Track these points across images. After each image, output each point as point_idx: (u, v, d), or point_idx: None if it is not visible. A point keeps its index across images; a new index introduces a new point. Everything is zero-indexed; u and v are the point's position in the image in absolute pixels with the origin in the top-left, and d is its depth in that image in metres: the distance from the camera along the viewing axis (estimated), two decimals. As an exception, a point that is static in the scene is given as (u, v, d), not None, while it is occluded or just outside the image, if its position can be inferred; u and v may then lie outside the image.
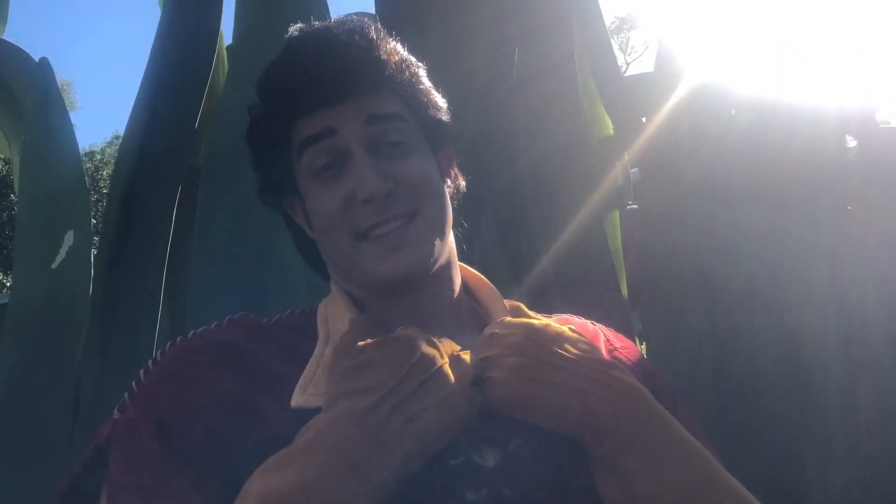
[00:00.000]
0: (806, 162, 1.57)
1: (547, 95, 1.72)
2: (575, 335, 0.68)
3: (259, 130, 0.74)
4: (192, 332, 0.73)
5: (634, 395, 0.64)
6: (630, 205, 3.20)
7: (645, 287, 1.83)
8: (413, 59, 0.77)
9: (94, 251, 1.98)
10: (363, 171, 0.68)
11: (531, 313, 0.73)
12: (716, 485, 0.63)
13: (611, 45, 1.97)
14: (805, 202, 1.56)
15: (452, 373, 0.64)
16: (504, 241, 1.73)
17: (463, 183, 0.80)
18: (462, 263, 0.80)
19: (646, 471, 0.61)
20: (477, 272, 0.81)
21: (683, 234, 1.73)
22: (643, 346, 1.88)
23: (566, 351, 0.65)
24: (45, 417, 1.68)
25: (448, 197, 0.75)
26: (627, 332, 1.68)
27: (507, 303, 0.75)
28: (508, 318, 0.70)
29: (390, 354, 0.64)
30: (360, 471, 0.58)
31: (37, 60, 2.84)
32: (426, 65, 0.79)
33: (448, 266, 0.75)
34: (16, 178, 3.32)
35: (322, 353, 0.70)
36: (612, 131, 2.32)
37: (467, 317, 0.76)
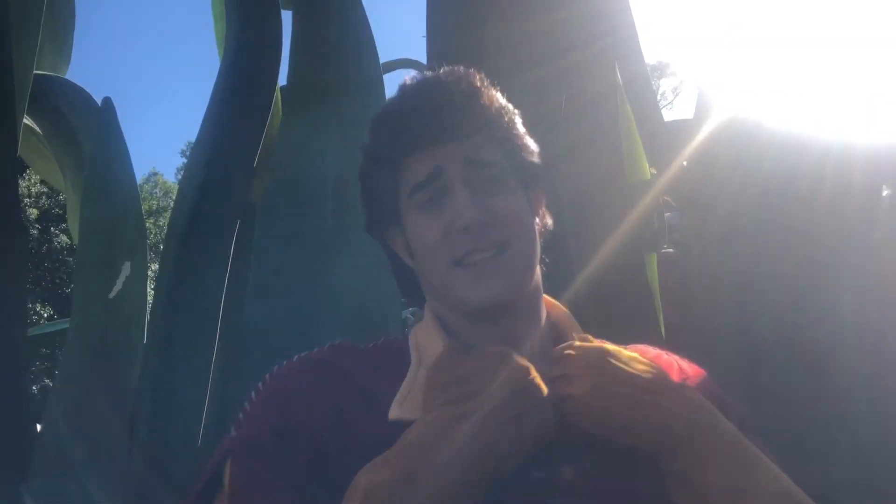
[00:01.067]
0: (835, 204, 1.59)
1: (588, 131, 1.77)
2: (646, 359, 0.73)
3: (371, 167, 0.82)
4: (297, 356, 0.81)
5: (708, 412, 0.69)
6: (666, 248, 3.23)
7: (683, 333, 1.85)
8: (510, 106, 0.84)
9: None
10: (462, 203, 0.76)
11: (597, 343, 0.78)
12: (789, 500, 0.67)
13: (651, 86, 2.02)
14: (835, 247, 1.58)
15: (540, 387, 0.70)
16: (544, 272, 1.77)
17: (550, 221, 0.86)
18: (546, 295, 0.86)
19: (720, 484, 0.65)
20: (560, 304, 0.87)
21: (721, 280, 1.75)
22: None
23: (640, 371, 0.70)
24: (102, 445, 1.74)
25: (536, 233, 0.82)
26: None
27: (578, 335, 0.81)
28: (580, 342, 0.76)
29: (484, 367, 0.70)
30: (448, 474, 0.64)
31: (97, 99, 2.99)
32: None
33: (534, 296, 0.81)
34: (71, 212, 3.44)
35: (416, 373, 0.77)
36: (648, 175, 2.37)
37: (549, 346, 0.81)
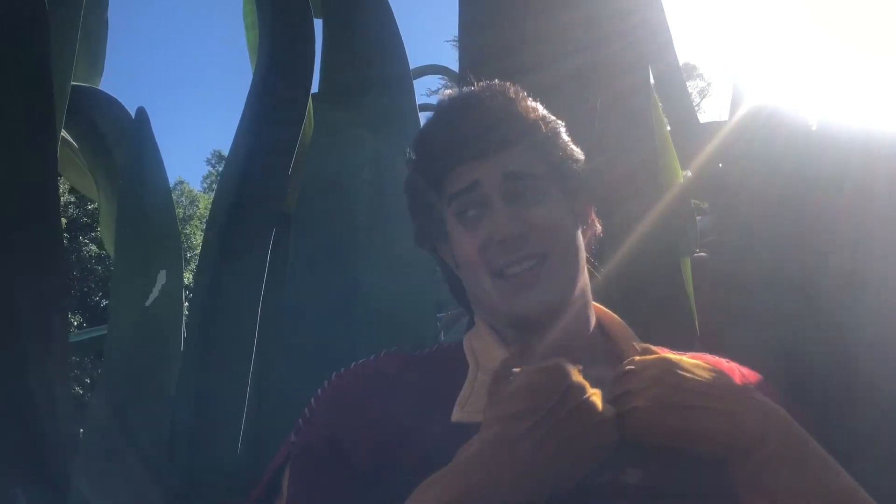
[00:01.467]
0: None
1: (619, 127, 1.76)
2: (709, 366, 0.72)
3: (415, 184, 0.85)
4: (354, 363, 0.83)
5: (777, 415, 0.69)
6: (698, 252, 3.21)
7: (715, 338, 1.83)
8: (552, 117, 0.85)
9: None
10: (498, 216, 0.77)
11: (658, 352, 0.78)
12: (856, 497, 0.67)
13: (684, 84, 2.00)
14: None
15: (603, 402, 0.71)
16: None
17: (599, 228, 0.85)
18: (596, 303, 0.86)
19: (791, 486, 0.65)
20: (610, 311, 0.87)
21: (756, 283, 1.74)
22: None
23: (705, 379, 0.71)
24: (138, 452, 1.75)
25: (580, 241, 0.82)
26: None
27: (637, 343, 0.81)
28: (641, 357, 0.76)
29: (542, 383, 0.70)
30: (508, 491, 0.65)
31: (127, 109, 3.03)
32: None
33: (581, 304, 0.82)
34: (104, 222, 3.48)
35: (475, 377, 0.78)
36: (680, 177, 2.36)
37: (600, 353, 0.82)
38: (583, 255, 0.83)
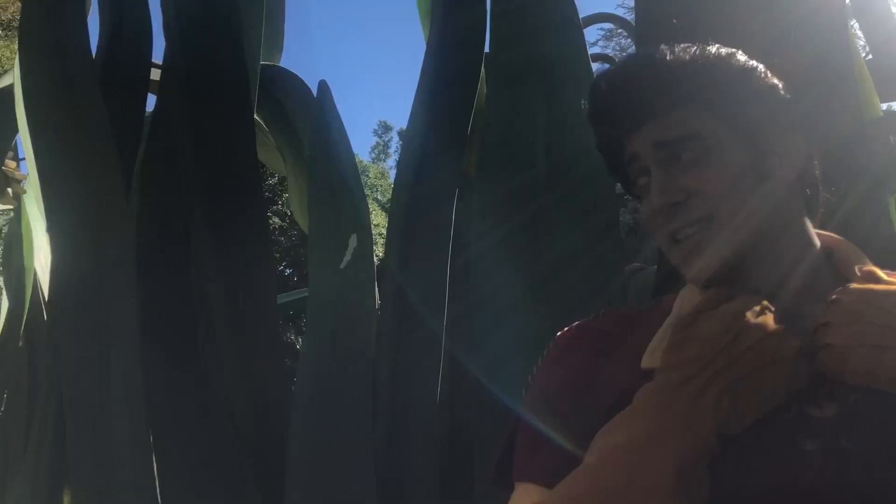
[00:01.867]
0: None
1: (818, 59, 1.66)
2: None
3: (599, 149, 0.88)
4: (576, 323, 0.88)
5: None
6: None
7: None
8: (717, 59, 0.81)
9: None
10: (654, 187, 0.78)
11: (886, 277, 0.73)
12: None
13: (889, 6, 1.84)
14: None
15: (784, 340, 0.69)
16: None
17: (805, 166, 0.81)
18: (825, 231, 0.84)
19: None
20: (840, 238, 0.84)
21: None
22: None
23: None
24: (346, 400, 1.88)
25: (769, 188, 0.78)
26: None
27: (861, 268, 0.76)
28: (853, 285, 0.72)
29: (713, 328, 0.70)
30: (674, 435, 0.66)
31: (307, 84, 3.19)
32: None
33: (782, 243, 0.79)
34: (293, 194, 3.71)
35: (670, 324, 0.78)
36: (880, 112, 2.19)
37: (823, 283, 0.77)
38: (770, 206, 0.78)
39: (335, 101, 2.36)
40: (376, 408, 1.77)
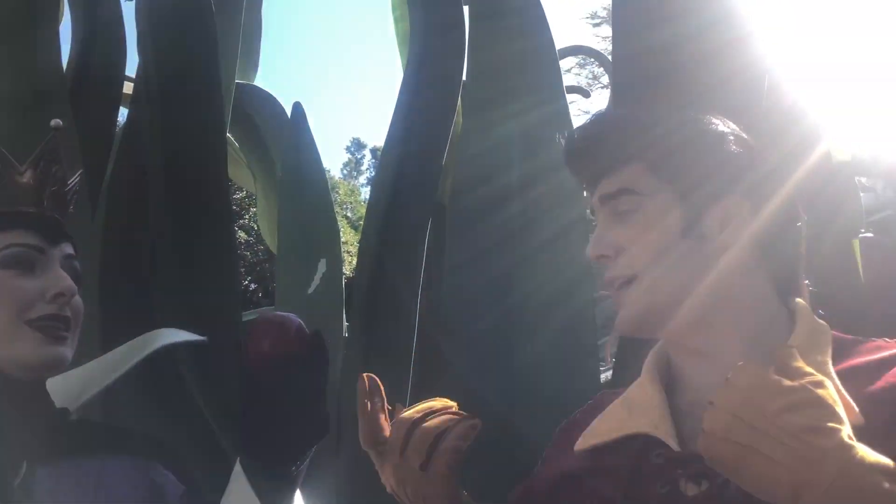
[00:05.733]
0: None
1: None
2: (812, 398, 0.61)
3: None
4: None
5: (830, 469, 0.58)
6: (863, 233, 3.02)
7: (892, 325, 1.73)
8: (667, 120, 0.81)
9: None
10: (591, 238, 0.81)
11: (805, 369, 0.64)
12: None
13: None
14: None
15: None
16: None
17: (734, 230, 0.78)
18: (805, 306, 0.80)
19: None
20: (808, 314, 0.78)
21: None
22: None
23: (785, 419, 0.60)
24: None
25: (692, 253, 0.77)
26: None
27: (778, 351, 0.67)
28: (747, 367, 0.64)
29: None
30: None
31: (281, 104, 3.17)
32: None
33: (724, 309, 0.77)
34: (261, 214, 3.67)
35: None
36: (849, 156, 2.23)
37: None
38: (690, 270, 0.76)
39: (308, 116, 2.35)
40: (340, 433, 1.75)
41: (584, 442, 0.80)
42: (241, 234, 16.57)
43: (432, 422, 0.79)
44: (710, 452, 0.62)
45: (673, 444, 0.71)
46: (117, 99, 2.23)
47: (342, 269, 2.14)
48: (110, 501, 0.83)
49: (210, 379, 1.76)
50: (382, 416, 0.82)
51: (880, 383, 0.69)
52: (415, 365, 1.74)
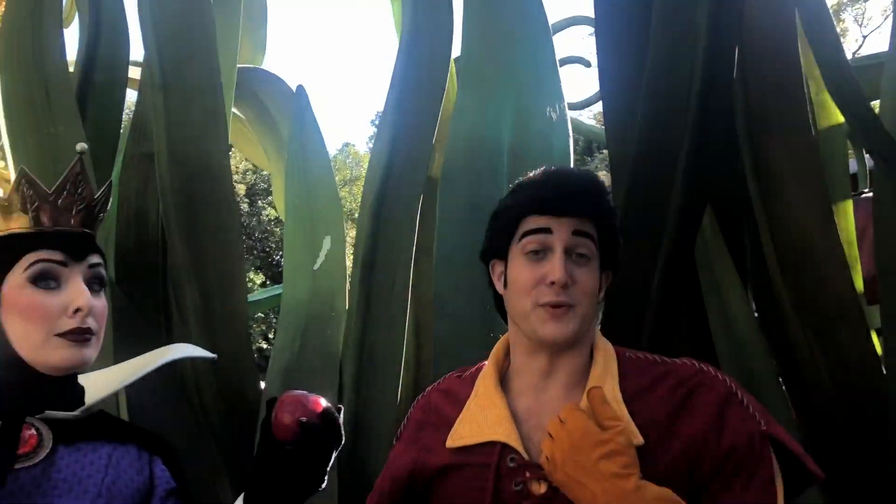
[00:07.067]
0: None
1: (771, 83, 1.71)
2: (619, 448, 0.90)
3: (503, 214, 1.05)
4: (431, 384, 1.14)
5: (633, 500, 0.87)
6: (864, 192, 3.02)
7: (882, 280, 1.76)
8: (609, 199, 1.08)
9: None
10: (558, 264, 0.99)
11: (602, 405, 0.94)
12: None
13: (833, 26, 1.88)
14: None
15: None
16: (726, 233, 1.75)
17: (602, 295, 1.05)
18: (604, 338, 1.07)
19: None
20: (609, 348, 1.04)
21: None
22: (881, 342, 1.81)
23: (602, 466, 0.89)
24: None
25: (597, 301, 1.04)
26: (864, 329, 1.65)
27: (591, 389, 0.97)
28: (574, 414, 0.93)
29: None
30: None
31: (291, 87, 3.24)
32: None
33: (580, 341, 1.02)
34: (276, 190, 3.77)
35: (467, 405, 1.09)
36: (841, 119, 2.23)
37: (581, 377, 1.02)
38: (595, 310, 1.03)
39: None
40: (341, 402, 1.83)
41: (452, 441, 1.01)
42: (272, 211, 16.82)
43: None
44: (551, 475, 0.91)
45: (524, 454, 0.95)
46: (122, 90, 2.33)
47: (345, 245, 2.21)
48: (118, 478, 0.99)
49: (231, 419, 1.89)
50: None
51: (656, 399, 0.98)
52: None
